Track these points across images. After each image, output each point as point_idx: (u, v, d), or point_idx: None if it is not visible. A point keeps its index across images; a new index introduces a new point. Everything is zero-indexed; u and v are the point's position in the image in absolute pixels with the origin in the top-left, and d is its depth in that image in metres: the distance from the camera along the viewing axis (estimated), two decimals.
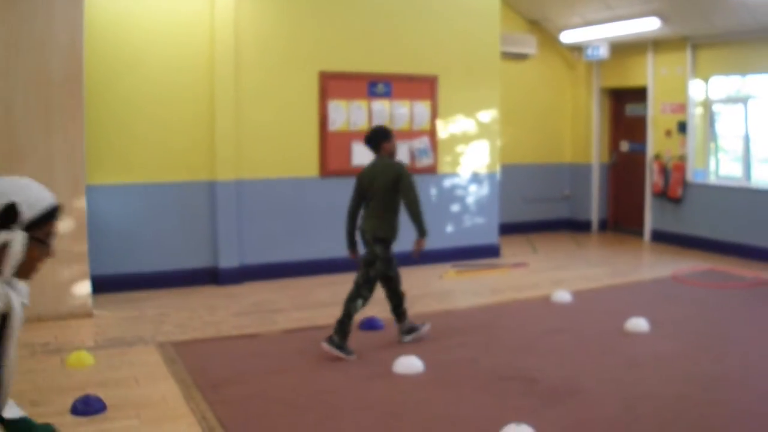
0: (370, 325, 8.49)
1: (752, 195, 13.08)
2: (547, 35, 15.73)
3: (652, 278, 11.37)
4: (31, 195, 2.93)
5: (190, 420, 5.84)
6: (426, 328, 8.10)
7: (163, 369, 7.08)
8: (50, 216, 2.99)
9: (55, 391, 6.43)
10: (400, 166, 7.66)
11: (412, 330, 7.99)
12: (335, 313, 8.89)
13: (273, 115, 10.99)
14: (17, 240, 2.89)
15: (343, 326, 7.42)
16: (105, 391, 6.37)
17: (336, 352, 7.34)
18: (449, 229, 12.52)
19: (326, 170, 11.35)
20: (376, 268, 7.69)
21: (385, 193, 7.64)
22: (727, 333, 8.44)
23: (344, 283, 10.59)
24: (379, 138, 7.78)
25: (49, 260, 3.10)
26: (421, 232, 7.66)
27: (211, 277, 10.72)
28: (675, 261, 12.67)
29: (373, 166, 7.76)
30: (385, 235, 7.70)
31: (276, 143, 11.05)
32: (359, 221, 7.89)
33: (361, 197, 7.87)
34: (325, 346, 7.37)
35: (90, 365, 7.13)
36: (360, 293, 7.57)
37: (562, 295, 9.81)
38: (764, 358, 7.55)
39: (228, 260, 10.74)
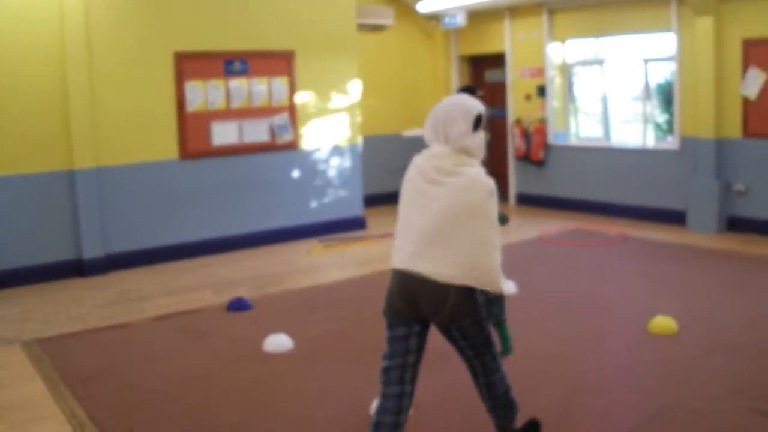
0: (238, 305, 8.42)
1: (612, 154, 13.44)
2: (403, 5, 15.79)
3: (520, 240, 11.57)
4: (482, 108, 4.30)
5: (60, 419, 5.71)
6: None
7: (30, 368, 6.88)
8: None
9: None
10: None
11: None
12: (204, 296, 8.87)
13: (130, 99, 10.71)
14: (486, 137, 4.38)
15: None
16: None
17: None
18: (314, 204, 12.49)
19: (186, 152, 11.17)
20: None
21: None
22: (592, 291, 8.74)
23: (211, 265, 10.56)
24: None
25: None
26: None
27: (76, 269, 10.41)
28: (541, 223, 12.96)
29: None
30: None
31: (134, 128, 10.78)
32: None
33: None
34: None
35: None
36: None
37: None
38: (629, 310, 7.87)
39: (92, 250, 10.45)
